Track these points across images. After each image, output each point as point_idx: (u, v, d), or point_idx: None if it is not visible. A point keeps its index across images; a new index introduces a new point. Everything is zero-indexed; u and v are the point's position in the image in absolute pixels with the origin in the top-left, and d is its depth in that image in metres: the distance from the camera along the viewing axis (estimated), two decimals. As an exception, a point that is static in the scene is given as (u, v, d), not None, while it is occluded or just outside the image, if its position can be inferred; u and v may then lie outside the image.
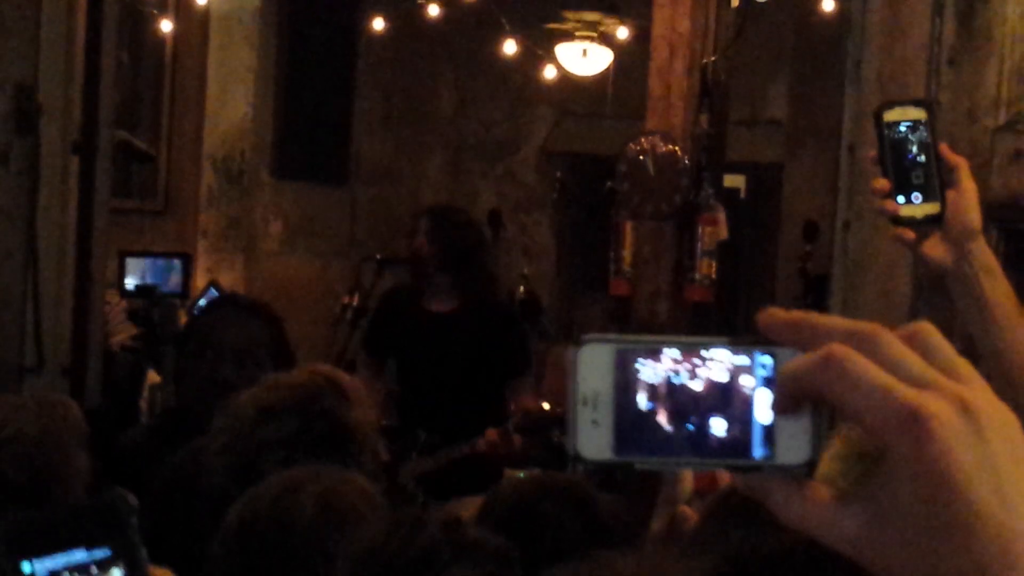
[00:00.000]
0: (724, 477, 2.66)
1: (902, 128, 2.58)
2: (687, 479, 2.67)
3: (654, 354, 0.94)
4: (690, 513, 2.63)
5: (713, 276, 7.32)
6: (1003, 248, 4.19)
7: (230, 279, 9.65)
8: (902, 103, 2.64)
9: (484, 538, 2.20)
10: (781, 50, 10.58)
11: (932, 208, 2.58)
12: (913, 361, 0.87)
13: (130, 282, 5.64)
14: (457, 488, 5.47)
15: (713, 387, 0.93)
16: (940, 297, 2.69)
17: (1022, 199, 4.34)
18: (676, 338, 0.94)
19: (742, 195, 11.18)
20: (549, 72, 10.43)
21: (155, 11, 9.61)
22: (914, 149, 2.57)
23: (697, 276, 7.30)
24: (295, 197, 10.86)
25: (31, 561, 1.22)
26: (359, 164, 11.48)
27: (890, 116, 2.60)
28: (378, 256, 7.10)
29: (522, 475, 6.67)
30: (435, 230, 6.21)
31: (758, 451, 0.93)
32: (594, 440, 0.94)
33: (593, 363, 0.94)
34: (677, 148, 7.29)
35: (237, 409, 2.89)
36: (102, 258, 5.20)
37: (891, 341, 0.88)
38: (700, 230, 7.28)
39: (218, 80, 10.14)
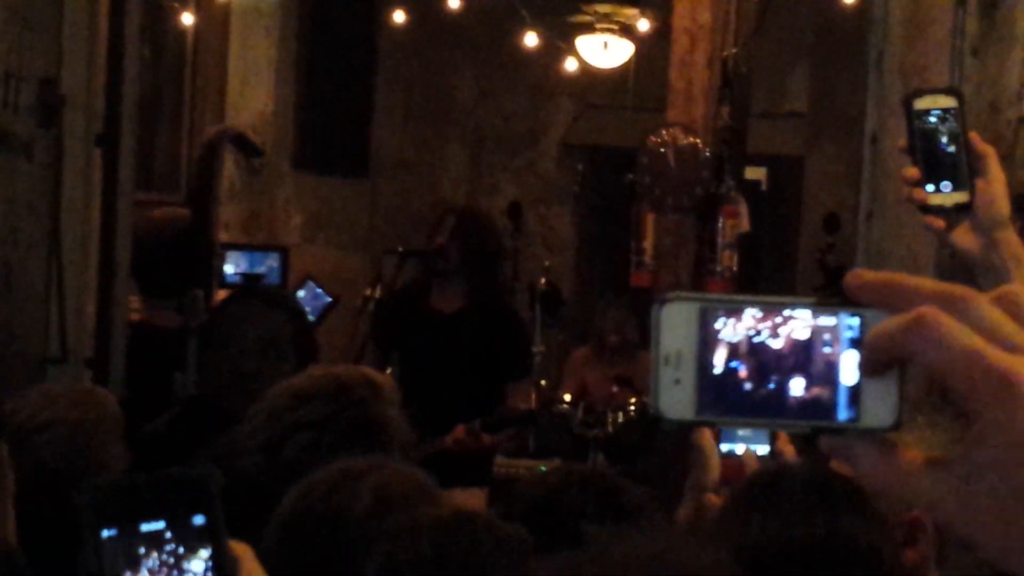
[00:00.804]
0: (751, 465, 2.67)
1: (932, 116, 2.58)
2: (714, 467, 2.68)
3: (736, 313, 0.93)
4: (716, 501, 2.63)
5: (734, 268, 7.32)
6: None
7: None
8: (932, 91, 2.64)
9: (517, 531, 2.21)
10: (801, 42, 10.57)
11: (961, 196, 2.58)
12: (1004, 324, 0.87)
13: (230, 270, 5.79)
14: (443, 480, 5.45)
15: (795, 346, 0.92)
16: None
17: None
18: (761, 298, 0.93)
19: (763, 187, 11.18)
20: (570, 64, 10.42)
21: (176, 4, 9.61)
22: (944, 137, 2.57)
23: (718, 268, 7.30)
24: (316, 190, 10.88)
25: (112, 529, 1.22)
26: (379, 156, 11.49)
27: (920, 104, 2.59)
28: (400, 249, 7.10)
29: (544, 468, 6.71)
30: (459, 230, 6.22)
31: (843, 413, 0.92)
32: (676, 399, 0.93)
33: (676, 322, 0.93)
34: (698, 140, 7.29)
35: (273, 394, 2.93)
36: (125, 250, 5.21)
37: (982, 304, 0.87)
38: (721, 222, 7.28)
39: (239, 73, 10.16)
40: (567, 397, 7.94)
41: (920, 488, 0.89)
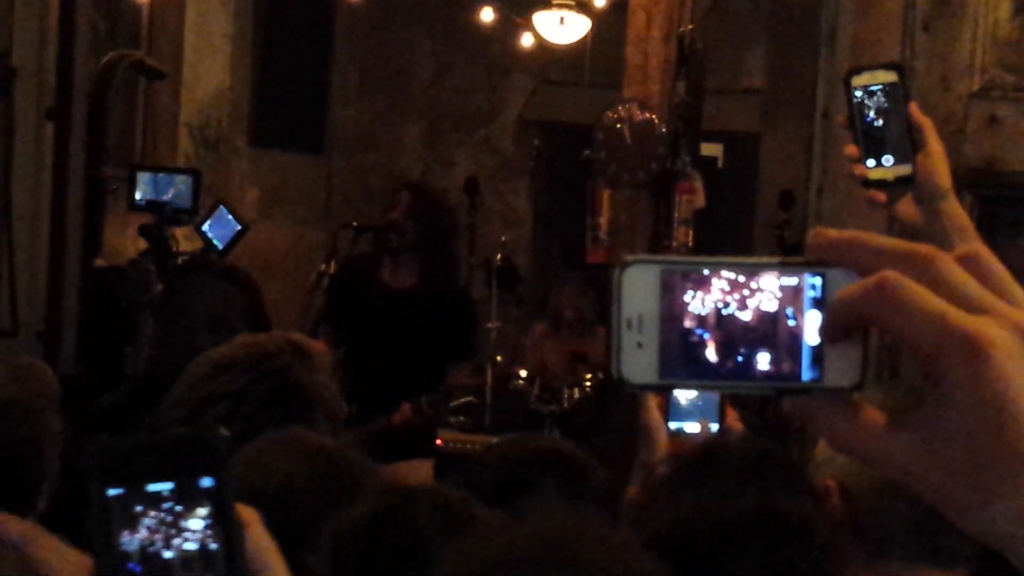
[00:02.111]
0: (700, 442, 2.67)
1: (871, 92, 2.60)
2: (661, 444, 2.67)
3: (703, 284, 0.92)
4: (664, 477, 2.63)
5: (690, 244, 7.33)
6: (977, 213, 4.22)
7: (179, 231, 9.61)
8: (871, 67, 2.65)
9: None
10: (758, 19, 10.57)
11: (904, 170, 2.60)
12: (969, 285, 0.86)
13: (140, 196, 5.56)
14: (390, 454, 5.46)
15: (762, 316, 0.92)
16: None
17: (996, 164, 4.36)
18: (723, 259, 0.92)
19: (719, 164, 11.19)
20: (526, 40, 10.40)
21: (131, -22, 9.55)
22: (884, 112, 2.59)
23: (674, 244, 7.31)
24: (272, 165, 10.84)
25: (118, 488, 1.21)
26: (336, 132, 11.46)
27: (859, 81, 2.61)
28: (354, 224, 7.08)
29: (496, 440, 6.70)
30: (414, 207, 6.21)
31: (806, 373, 0.91)
32: (639, 363, 0.92)
33: (638, 285, 0.92)
34: (654, 116, 7.29)
35: (195, 363, 2.89)
36: (76, 224, 5.18)
37: (946, 264, 0.87)
38: (677, 198, 7.29)
39: (195, 48, 10.11)
40: (523, 373, 7.94)
41: (883, 449, 0.88)
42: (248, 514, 1.26)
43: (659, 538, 2.18)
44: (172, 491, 1.21)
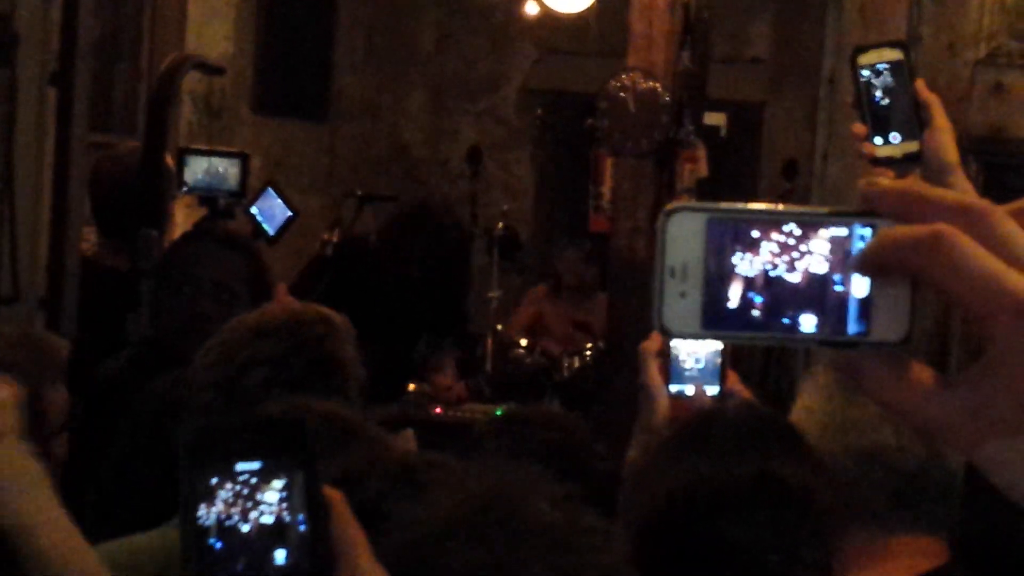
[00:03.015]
0: (702, 405, 2.67)
1: (878, 70, 2.61)
2: (662, 408, 2.67)
3: (748, 230, 0.90)
4: (665, 440, 2.63)
5: (693, 213, 7.30)
6: (983, 180, 4.20)
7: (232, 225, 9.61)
8: (877, 45, 2.67)
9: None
10: (764, -12, 10.55)
11: (911, 146, 2.62)
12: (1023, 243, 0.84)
13: (191, 181, 5.49)
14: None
15: (812, 271, 0.90)
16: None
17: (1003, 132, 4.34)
18: (771, 208, 0.90)
19: (723, 133, 11.17)
20: (531, 9, 10.37)
21: (134, -57, 9.52)
22: (891, 90, 2.60)
23: (677, 214, 7.28)
24: (275, 133, 10.82)
25: (210, 469, 1.21)
26: (340, 100, 11.43)
27: (865, 59, 2.63)
28: (359, 192, 7.09)
29: (500, 413, 6.71)
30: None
31: (853, 327, 0.90)
32: (681, 313, 0.90)
33: (682, 233, 0.90)
34: (658, 85, 7.26)
35: (230, 328, 2.89)
36: (79, 190, 5.16)
37: (1003, 220, 0.85)
38: (680, 167, 7.27)
39: (199, 15, 10.07)
40: (523, 342, 7.95)
41: (929, 408, 0.87)
42: (333, 495, 1.26)
43: (658, 503, 2.18)
44: (259, 469, 1.22)
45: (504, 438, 2.74)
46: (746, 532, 2.12)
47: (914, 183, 0.88)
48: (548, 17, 10.35)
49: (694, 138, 7.31)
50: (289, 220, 5.97)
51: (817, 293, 0.90)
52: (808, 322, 0.90)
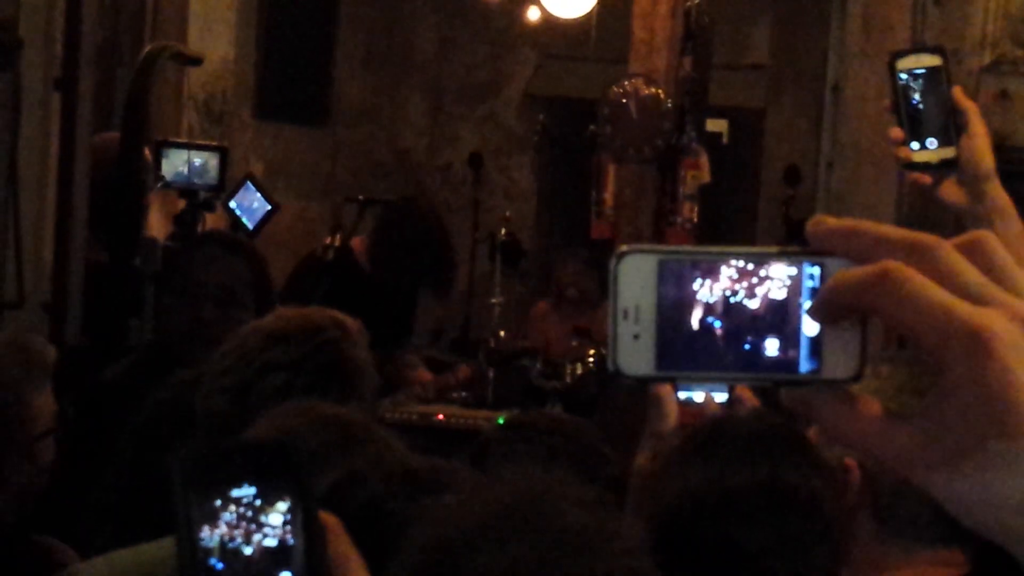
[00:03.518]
0: (710, 411, 2.67)
1: (916, 75, 2.61)
2: (671, 414, 2.68)
3: (697, 273, 0.91)
4: (673, 448, 2.64)
5: (695, 220, 7.31)
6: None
7: (211, 220, 9.61)
8: (916, 50, 2.68)
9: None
10: (764, -6, 10.56)
11: (948, 152, 2.63)
12: (972, 275, 0.85)
13: (169, 174, 5.45)
14: None
15: (758, 307, 0.91)
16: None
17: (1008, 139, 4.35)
18: (721, 249, 0.91)
19: (724, 139, 11.17)
20: (532, 14, 10.38)
21: (136, -51, 9.53)
22: (928, 95, 2.61)
23: (679, 220, 7.29)
24: (276, 138, 10.82)
25: (200, 493, 1.22)
26: (341, 105, 11.44)
27: (904, 64, 2.63)
28: (360, 197, 7.09)
29: (501, 420, 6.71)
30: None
31: (804, 365, 0.90)
32: (635, 354, 0.91)
33: (634, 275, 0.91)
34: (660, 91, 7.27)
35: (244, 334, 2.89)
36: (83, 195, 5.17)
37: (949, 254, 0.85)
38: (682, 174, 7.27)
39: (200, 20, 10.08)
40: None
41: (882, 440, 0.88)
42: (330, 520, 1.26)
43: (667, 509, 2.18)
44: (255, 496, 1.22)
45: (512, 444, 2.75)
46: (754, 538, 2.13)
47: (860, 222, 0.89)
48: (549, 23, 10.35)
49: (696, 144, 7.32)
50: (268, 213, 5.95)
51: (764, 321, 0.91)
52: (756, 349, 0.90)
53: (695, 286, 0.91)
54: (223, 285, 4.14)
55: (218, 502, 1.22)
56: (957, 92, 2.63)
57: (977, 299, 0.84)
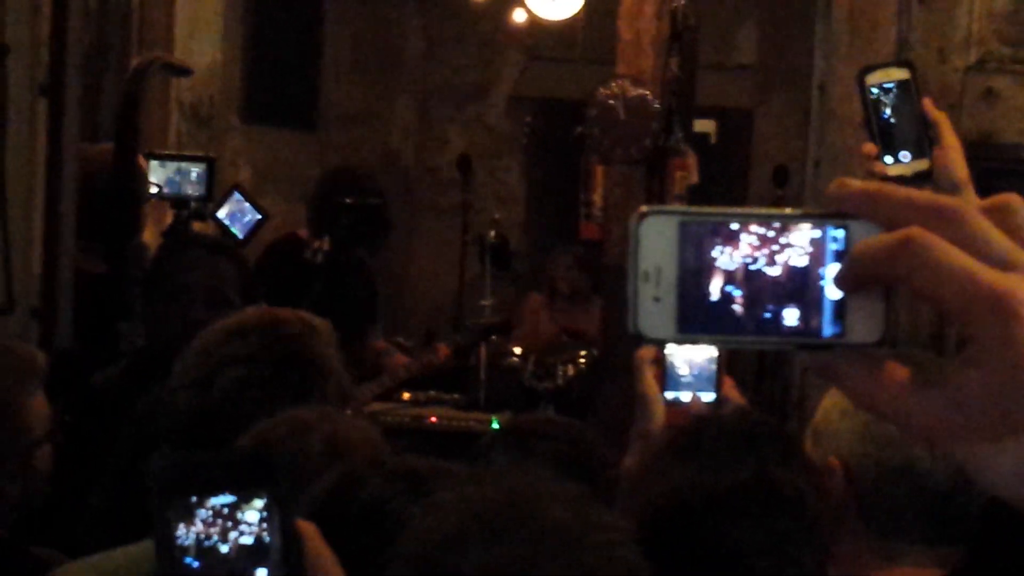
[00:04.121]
0: (697, 412, 2.67)
1: (886, 90, 2.62)
2: (658, 414, 2.68)
3: (720, 233, 0.90)
4: (662, 448, 2.64)
5: (683, 220, 7.31)
6: (976, 185, 4.20)
7: (198, 224, 9.60)
8: (884, 65, 2.69)
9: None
10: (751, -6, 10.57)
11: (921, 165, 2.64)
12: (998, 239, 0.84)
13: (155, 184, 5.45)
14: None
15: (782, 269, 0.90)
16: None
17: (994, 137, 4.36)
18: (743, 210, 0.90)
19: (712, 140, 11.18)
20: (518, 16, 10.38)
21: (122, -46, 9.52)
22: (899, 109, 2.62)
23: (667, 220, 7.29)
24: (264, 142, 10.82)
25: (180, 501, 1.22)
26: (328, 109, 11.44)
27: (872, 79, 2.64)
28: (348, 200, 7.08)
29: (496, 423, 6.71)
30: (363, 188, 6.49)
31: (828, 329, 0.90)
32: (656, 317, 0.90)
33: (655, 236, 0.90)
34: (647, 92, 7.27)
35: (207, 331, 2.91)
36: (71, 200, 5.16)
37: (974, 218, 0.85)
38: (671, 174, 7.27)
39: (186, 25, 10.07)
40: (517, 350, 7.95)
41: (907, 406, 0.87)
42: (307, 528, 1.26)
43: (653, 508, 2.19)
44: (232, 503, 1.22)
45: (512, 449, 2.75)
46: (740, 536, 2.13)
47: (884, 185, 0.89)
48: (535, 24, 10.35)
49: (684, 145, 7.32)
50: (259, 223, 5.97)
51: (791, 287, 0.90)
52: (791, 316, 0.90)
53: (716, 250, 0.90)
54: (210, 287, 4.15)
55: (193, 498, 1.21)
56: (927, 104, 2.64)
57: (1003, 264, 0.83)
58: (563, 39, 10.72)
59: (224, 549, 1.22)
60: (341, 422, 2.47)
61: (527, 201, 11.50)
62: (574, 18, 10.02)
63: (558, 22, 10.09)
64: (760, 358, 7.72)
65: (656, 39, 7.38)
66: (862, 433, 2.47)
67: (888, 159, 2.63)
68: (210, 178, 5.52)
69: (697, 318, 0.90)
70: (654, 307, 0.90)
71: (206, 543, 1.22)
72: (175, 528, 1.21)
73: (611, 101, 7.31)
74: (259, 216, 5.94)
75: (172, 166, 5.45)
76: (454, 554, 1.51)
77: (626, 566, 1.56)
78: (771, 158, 9.60)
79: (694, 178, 7.33)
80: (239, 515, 1.22)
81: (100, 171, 5.19)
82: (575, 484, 1.61)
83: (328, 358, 2.88)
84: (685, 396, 2.74)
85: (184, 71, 6.72)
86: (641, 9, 7.39)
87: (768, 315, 0.90)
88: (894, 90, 2.62)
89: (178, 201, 5.44)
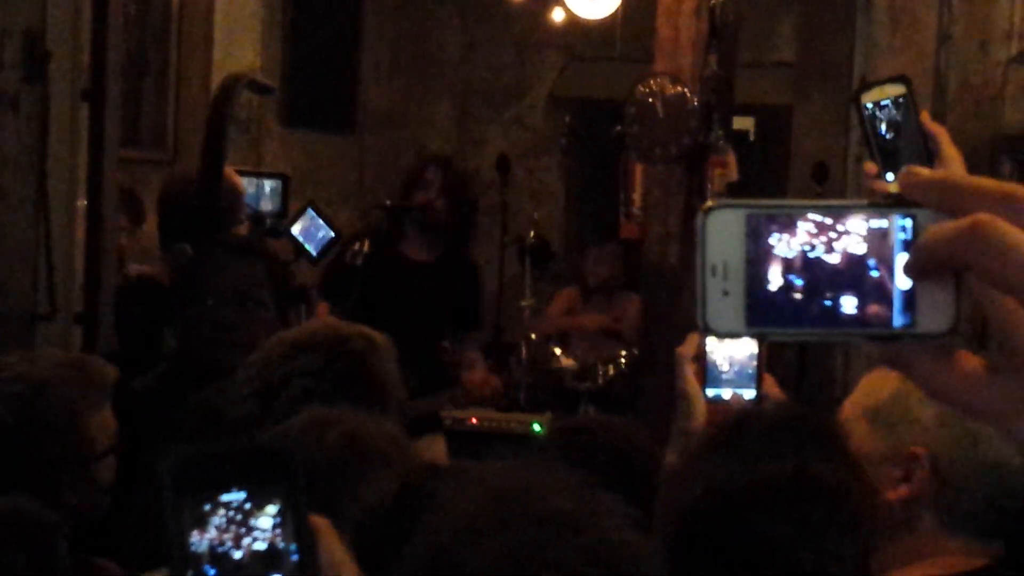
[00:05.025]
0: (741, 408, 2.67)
1: (883, 107, 2.61)
2: (699, 412, 2.68)
3: (789, 227, 0.89)
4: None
5: (723, 218, 7.29)
6: (1017, 179, 4.18)
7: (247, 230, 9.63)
8: (880, 83, 2.67)
9: None
10: (789, -10, 10.53)
11: None
12: None
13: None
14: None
15: (850, 260, 0.89)
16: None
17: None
18: (810, 202, 0.90)
19: (751, 137, 11.14)
20: (557, 15, 10.37)
21: (160, -40, 9.57)
22: (896, 125, 2.60)
23: (707, 218, 7.27)
24: (303, 145, 10.84)
25: (191, 497, 1.21)
26: (367, 111, 11.45)
27: (869, 97, 2.63)
28: (388, 202, 7.09)
29: (537, 426, 6.71)
30: (445, 184, 6.33)
31: (898, 319, 0.89)
32: (724, 311, 0.90)
33: (722, 230, 0.90)
34: (686, 90, 7.26)
35: (271, 344, 2.93)
36: (111, 205, 5.19)
37: None
38: (710, 172, 7.25)
39: (225, 28, 10.11)
40: (558, 351, 7.95)
41: (981, 396, 0.87)
42: (320, 523, 1.26)
43: (694, 503, 2.18)
44: (244, 500, 1.21)
45: (568, 448, 2.76)
46: (781, 529, 2.13)
47: (952, 173, 0.88)
48: (573, 24, 10.34)
49: (723, 143, 7.30)
50: (332, 241, 5.95)
51: (858, 277, 0.89)
52: (849, 304, 0.89)
53: (784, 242, 0.89)
54: (239, 288, 4.16)
55: (207, 507, 1.20)
56: (924, 118, 2.62)
57: None
58: (602, 38, 10.71)
59: (237, 556, 1.21)
60: (361, 419, 2.48)
61: (566, 201, 11.50)
62: (612, 17, 10.01)
63: (596, 21, 10.08)
64: (801, 356, 7.69)
65: (695, 37, 7.37)
66: (952, 425, 2.45)
67: (890, 176, 2.61)
68: (285, 194, 5.56)
69: (765, 311, 0.90)
70: (723, 301, 0.90)
71: (219, 549, 1.21)
72: (189, 535, 1.20)
73: (650, 99, 7.30)
74: (332, 234, 5.94)
75: (247, 182, 5.47)
76: (463, 547, 1.53)
77: (632, 550, 1.56)
78: (810, 155, 9.55)
79: (733, 176, 7.31)
80: (252, 521, 1.21)
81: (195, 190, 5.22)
82: (627, 481, 1.62)
83: (388, 373, 2.92)
84: (726, 393, 2.73)
85: (268, 89, 6.74)
86: (680, 7, 7.38)
87: (832, 305, 0.89)
88: (890, 107, 2.61)
89: (254, 218, 5.46)
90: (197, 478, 1.21)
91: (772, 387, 2.78)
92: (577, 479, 1.62)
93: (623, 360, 7.74)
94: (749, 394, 2.74)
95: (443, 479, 2.06)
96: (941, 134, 2.63)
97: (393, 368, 2.97)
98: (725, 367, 2.74)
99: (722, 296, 0.90)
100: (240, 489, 1.21)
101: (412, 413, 6.19)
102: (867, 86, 2.67)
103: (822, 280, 0.89)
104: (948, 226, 0.85)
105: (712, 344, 2.70)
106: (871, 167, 2.61)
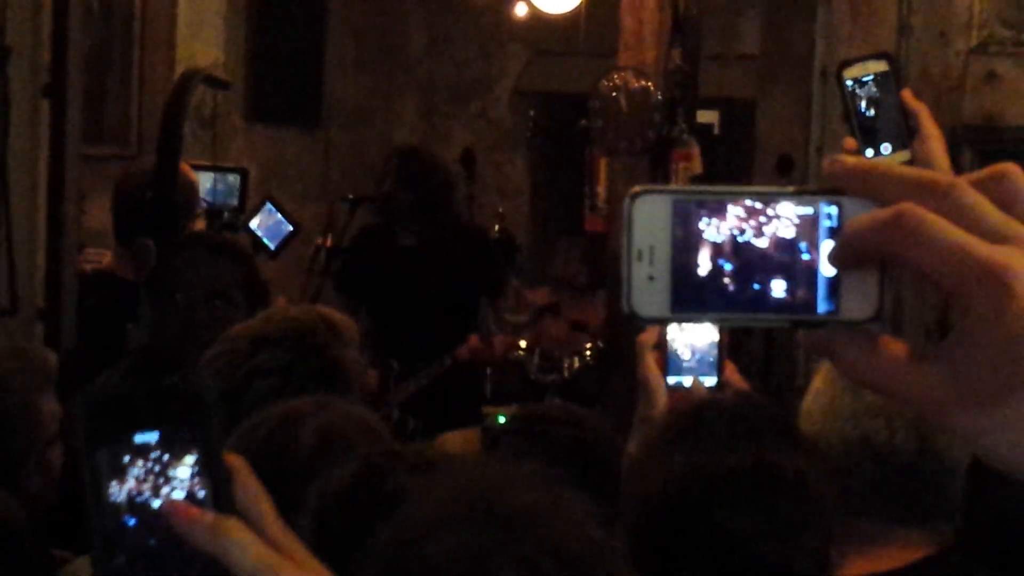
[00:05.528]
0: (700, 395, 2.67)
1: (864, 83, 2.62)
2: (660, 400, 2.67)
3: (718, 211, 0.89)
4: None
5: (687, 210, 7.30)
6: (977, 169, 4.21)
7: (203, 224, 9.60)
8: (862, 59, 2.69)
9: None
10: (752, -16, 10.55)
11: (903, 156, 2.63)
12: (990, 212, 0.84)
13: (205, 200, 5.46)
14: (439, 416, 5.58)
15: (780, 244, 0.89)
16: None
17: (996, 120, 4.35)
18: (735, 188, 0.90)
19: (716, 130, 11.17)
20: (520, 10, 10.37)
21: (123, -45, 9.53)
22: (877, 101, 2.62)
23: (672, 211, 7.28)
24: (268, 141, 10.82)
25: (107, 440, 1.20)
26: (332, 106, 11.44)
27: (851, 73, 2.64)
28: (350, 196, 7.09)
29: (502, 418, 6.70)
30: (403, 173, 6.35)
31: (822, 306, 0.89)
32: (650, 297, 0.90)
33: (648, 216, 0.90)
34: (650, 84, 7.27)
35: (231, 339, 2.90)
36: (73, 201, 5.17)
37: (965, 192, 0.84)
38: (674, 165, 7.27)
39: (188, 23, 10.07)
40: (523, 343, 7.95)
41: (905, 382, 0.87)
42: (236, 461, 1.25)
43: (652, 493, 2.18)
44: (159, 441, 1.20)
45: (523, 437, 2.75)
46: (742, 521, 2.12)
47: (876, 160, 0.89)
48: (537, 18, 10.34)
49: (687, 136, 7.32)
50: (290, 235, 5.95)
51: (785, 262, 0.89)
52: (778, 287, 0.89)
53: (708, 228, 0.90)
54: (211, 287, 4.14)
55: (126, 458, 1.19)
56: (906, 95, 2.64)
57: (996, 237, 0.83)
58: (565, 33, 10.71)
59: (156, 505, 1.21)
60: (338, 412, 2.46)
61: (531, 195, 11.50)
62: (576, 11, 10.02)
63: (560, 15, 10.09)
64: (767, 344, 7.72)
65: (658, 31, 7.39)
66: (826, 410, 2.48)
67: (869, 152, 2.62)
68: (243, 189, 5.55)
69: (691, 296, 0.90)
70: (648, 286, 0.90)
71: (138, 499, 1.20)
72: (107, 487, 1.19)
73: (613, 93, 7.32)
74: (291, 228, 5.94)
75: (205, 176, 5.46)
76: (427, 543, 1.53)
77: (594, 545, 1.57)
78: (775, 147, 9.58)
79: (697, 168, 7.33)
80: (170, 471, 1.20)
81: (148, 184, 5.20)
82: (539, 468, 1.62)
83: (352, 362, 2.90)
84: (687, 380, 2.74)
85: (224, 84, 6.75)
86: (643, 1, 7.39)
87: (760, 291, 0.90)
88: (872, 83, 2.62)
89: (212, 212, 5.45)
90: (111, 421, 1.20)
91: (733, 375, 2.79)
92: (541, 474, 1.62)
93: (588, 353, 7.75)
94: (710, 381, 2.74)
95: (405, 465, 2.05)
96: (922, 111, 2.64)
97: (354, 352, 2.95)
98: (687, 355, 2.74)
99: (647, 281, 0.90)
100: (154, 428, 1.20)
101: (404, 394, 6.25)
102: (849, 62, 2.68)
103: (743, 268, 0.89)
104: (873, 215, 0.86)
105: (673, 332, 2.70)
106: (851, 143, 2.62)
